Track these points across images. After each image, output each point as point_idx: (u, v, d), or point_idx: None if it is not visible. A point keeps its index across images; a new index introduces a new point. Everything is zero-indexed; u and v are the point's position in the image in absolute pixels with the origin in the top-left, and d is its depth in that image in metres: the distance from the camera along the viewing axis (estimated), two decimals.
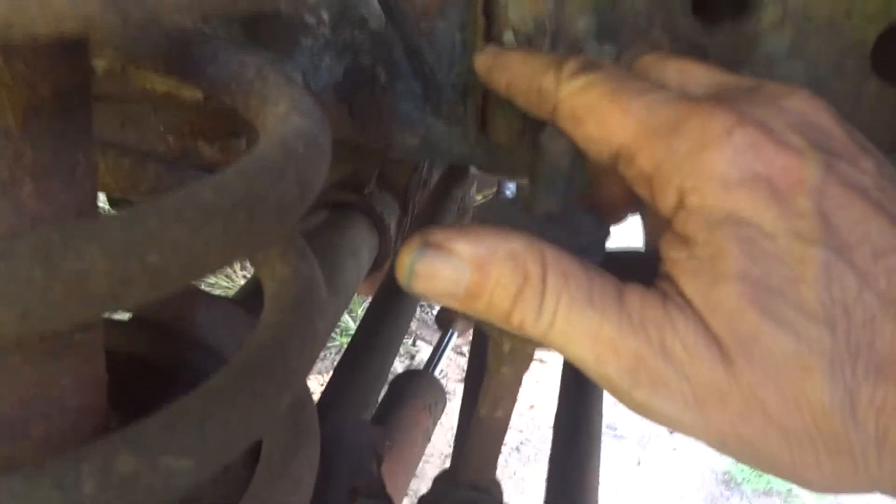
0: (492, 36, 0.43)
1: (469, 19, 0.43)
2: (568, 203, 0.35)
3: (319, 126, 0.33)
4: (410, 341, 2.64)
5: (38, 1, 0.19)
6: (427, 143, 0.47)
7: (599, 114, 0.31)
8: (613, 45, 0.43)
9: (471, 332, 1.39)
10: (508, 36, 0.42)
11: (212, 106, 0.52)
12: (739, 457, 0.30)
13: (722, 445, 0.30)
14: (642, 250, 0.39)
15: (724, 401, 0.28)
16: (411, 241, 0.31)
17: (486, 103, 0.45)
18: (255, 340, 0.33)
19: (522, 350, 0.37)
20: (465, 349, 2.39)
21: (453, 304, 0.31)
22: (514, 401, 0.41)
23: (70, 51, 0.30)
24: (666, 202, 0.30)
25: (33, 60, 0.28)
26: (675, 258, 0.30)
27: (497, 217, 0.35)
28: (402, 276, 0.31)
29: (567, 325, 0.29)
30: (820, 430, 0.27)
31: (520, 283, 0.30)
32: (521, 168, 0.47)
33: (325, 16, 0.47)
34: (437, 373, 1.27)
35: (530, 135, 0.44)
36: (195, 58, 0.40)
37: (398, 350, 0.95)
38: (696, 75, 0.34)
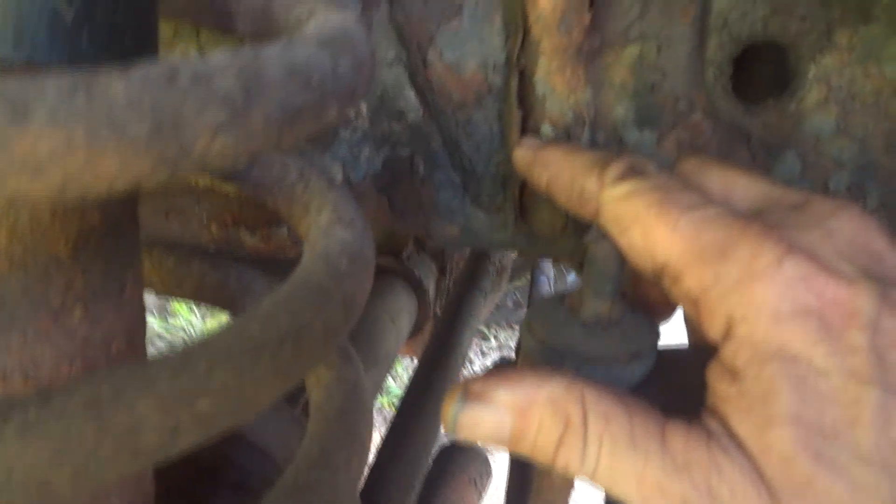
0: (528, 128, 0.42)
1: (505, 110, 0.43)
2: (618, 306, 0.34)
3: (362, 237, 0.33)
4: None
5: (90, 164, 0.19)
6: (467, 232, 0.47)
7: (645, 225, 0.30)
8: (654, 129, 0.43)
9: None
10: (546, 129, 0.42)
11: (248, 195, 0.52)
12: None
13: None
14: (689, 347, 0.38)
15: None
16: (453, 390, 0.32)
17: (526, 193, 0.45)
18: (302, 455, 0.33)
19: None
20: None
21: (500, 447, 0.31)
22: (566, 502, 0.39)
23: None
24: (714, 328, 0.29)
25: None
26: (723, 394, 0.29)
27: (548, 322, 0.34)
28: (447, 425, 0.32)
29: (611, 467, 0.29)
30: None
31: (561, 429, 0.30)
32: (562, 254, 0.47)
33: (364, 108, 0.47)
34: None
35: (573, 226, 0.44)
36: None
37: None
38: (741, 186, 0.33)
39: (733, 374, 0.28)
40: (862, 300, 0.26)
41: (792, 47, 0.41)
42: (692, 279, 0.29)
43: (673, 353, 0.36)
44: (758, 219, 0.30)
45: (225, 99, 0.20)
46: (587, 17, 0.38)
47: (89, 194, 0.20)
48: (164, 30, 0.48)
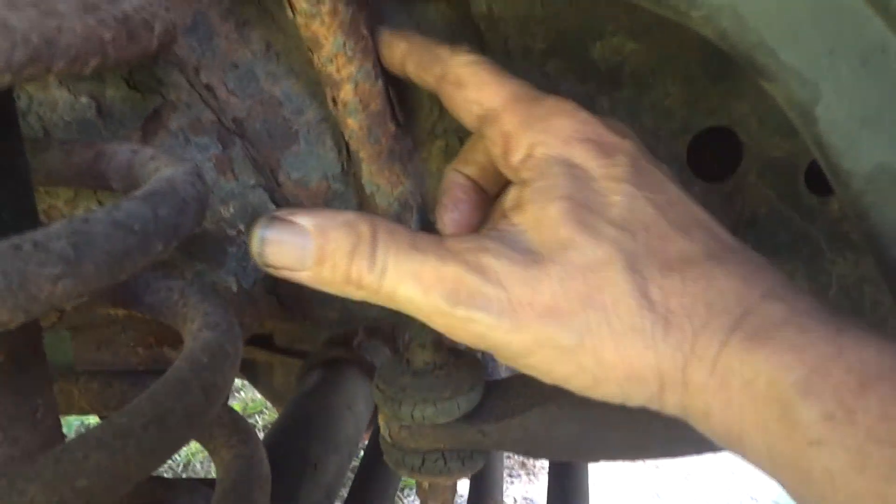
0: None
1: (349, 208, 0.52)
2: (440, 353, 0.41)
3: (226, 335, 0.40)
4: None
5: None
6: (345, 314, 0.55)
7: (481, 82, 0.39)
8: None
9: None
10: None
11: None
12: (540, 362, 0.35)
13: (528, 349, 0.35)
14: (521, 374, 0.45)
15: (534, 295, 0.34)
16: (258, 220, 0.37)
17: None
18: None
19: (439, 484, 0.43)
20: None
21: (304, 277, 0.36)
22: None
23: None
24: (517, 154, 0.38)
25: None
26: (510, 203, 0.37)
27: (389, 375, 0.42)
28: (253, 247, 0.36)
29: (396, 269, 0.35)
30: (617, 311, 0.33)
31: (354, 242, 0.35)
32: None
33: (241, 226, 0.56)
34: None
35: None
36: (135, 290, 0.48)
37: (397, 486, 0.99)
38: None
39: (525, 183, 0.37)
40: (627, 144, 0.37)
41: None
42: (508, 116, 0.38)
43: (505, 382, 0.44)
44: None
45: (60, 256, 0.28)
46: (392, 127, 0.47)
47: None
48: (67, 191, 0.56)
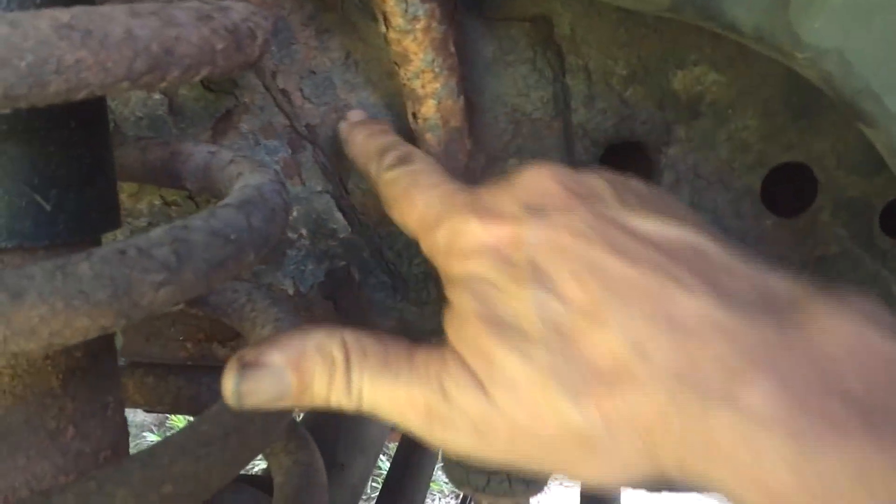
0: None
1: None
2: None
3: None
4: None
5: (67, 325, 0.27)
6: (403, 324, 0.55)
7: (399, 206, 0.40)
8: None
9: None
10: None
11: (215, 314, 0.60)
12: (526, 469, 0.34)
13: (509, 464, 0.34)
14: None
15: (493, 427, 0.33)
16: (229, 366, 0.35)
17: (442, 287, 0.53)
18: None
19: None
20: None
21: (286, 405, 0.35)
22: None
23: None
24: (441, 273, 0.37)
25: None
26: (447, 323, 0.36)
27: None
28: (230, 399, 0.34)
29: (372, 393, 0.35)
30: (570, 431, 0.31)
31: (330, 370, 0.35)
32: None
33: (304, 230, 0.56)
34: None
35: None
36: None
37: (426, 489, 0.99)
38: None
39: (449, 305, 0.36)
40: (525, 230, 0.34)
41: (644, 144, 0.51)
42: (424, 243, 0.38)
43: None
44: (466, 193, 0.38)
45: (163, 264, 0.28)
46: (468, 144, 0.47)
47: (69, 345, 0.27)
48: (131, 186, 0.57)
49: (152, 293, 0.28)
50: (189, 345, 0.66)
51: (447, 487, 2.50)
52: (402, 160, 0.43)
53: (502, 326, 0.33)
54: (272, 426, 0.35)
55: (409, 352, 0.36)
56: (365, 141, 0.46)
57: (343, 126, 0.48)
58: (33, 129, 0.33)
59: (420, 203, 0.39)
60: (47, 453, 0.37)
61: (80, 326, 0.27)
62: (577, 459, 0.32)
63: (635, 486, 0.33)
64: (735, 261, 0.32)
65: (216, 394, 0.55)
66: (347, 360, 0.35)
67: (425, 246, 0.39)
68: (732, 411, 0.28)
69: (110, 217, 0.38)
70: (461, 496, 1.29)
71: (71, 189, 0.35)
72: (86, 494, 0.28)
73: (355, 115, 0.50)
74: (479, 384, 0.33)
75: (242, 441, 0.33)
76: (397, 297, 0.55)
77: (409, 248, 0.53)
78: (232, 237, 0.32)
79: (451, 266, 0.36)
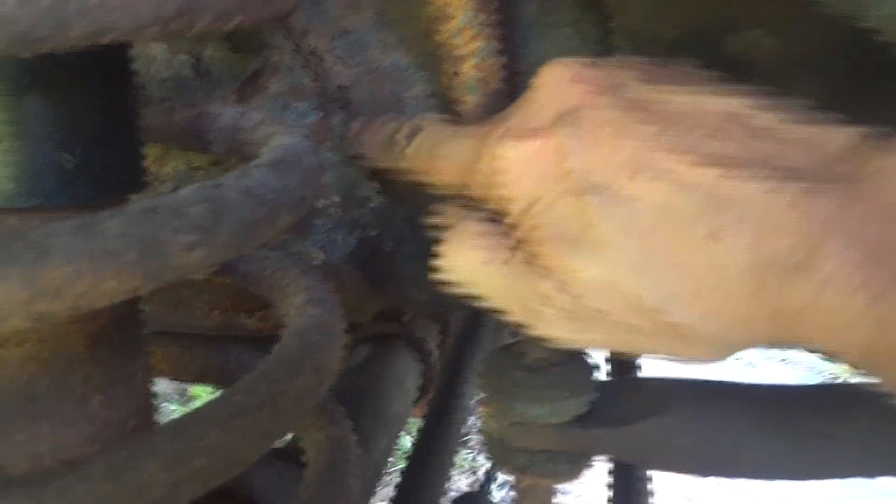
0: None
1: None
2: (556, 350, 0.39)
3: (332, 313, 0.39)
4: (472, 456, 2.62)
5: (94, 286, 0.25)
6: (436, 297, 0.53)
7: (432, 170, 0.39)
8: None
9: None
10: None
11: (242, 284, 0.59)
12: (632, 352, 0.35)
13: (613, 348, 0.35)
14: (634, 378, 0.43)
15: (588, 323, 0.34)
16: None
17: None
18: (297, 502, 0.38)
19: (540, 486, 0.41)
20: None
21: None
22: None
23: None
24: (496, 214, 0.36)
25: None
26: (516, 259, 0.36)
27: (497, 369, 0.40)
28: None
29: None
30: (657, 323, 0.32)
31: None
32: None
33: (335, 197, 0.54)
34: (497, 488, 1.28)
35: None
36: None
37: (452, 466, 0.98)
38: None
39: (511, 226, 0.36)
40: (556, 139, 0.33)
41: None
42: (473, 188, 0.37)
43: (613, 385, 0.42)
44: (491, 123, 0.38)
45: (195, 223, 0.27)
46: (506, 107, 0.45)
47: (96, 308, 0.26)
48: (156, 149, 0.55)
49: (184, 254, 0.26)
50: (215, 314, 0.65)
51: (465, 463, 2.51)
52: (413, 132, 0.41)
53: (575, 241, 0.32)
54: (306, 398, 0.33)
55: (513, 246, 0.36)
56: (372, 139, 0.44)
57: (349, 138, 0.47)
58: (56, 82, 0.32)
59: (451, 154, 0.38)
60: (73, 421, 0.36)
61: (107, 288, 0.25)
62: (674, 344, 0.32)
63: (731, 354, 0.33)
64: (783, 122, 0.31)
65: (244, 364, 0.54)
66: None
67: (474, 190, 0.37)
68: (815, 283, 0.28)
69: (135, 178, 0.36)
70: (486, 472, 1.28)
71: (95, 147, 0.33)
72: (116, 465, 0.27)
73: (355, 124, 0.48)
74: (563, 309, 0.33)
75: (276, 413, 0.31)
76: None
77: None
78: (266, 198, 0.30)
79: (507, 196, 0.35)
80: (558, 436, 0.39)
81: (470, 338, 1.29)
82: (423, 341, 1.26)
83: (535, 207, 0.34)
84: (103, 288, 0.25)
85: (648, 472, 0.97)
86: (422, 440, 1.01)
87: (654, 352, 0.33)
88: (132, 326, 0.38)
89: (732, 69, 0.47)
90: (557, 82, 0.36)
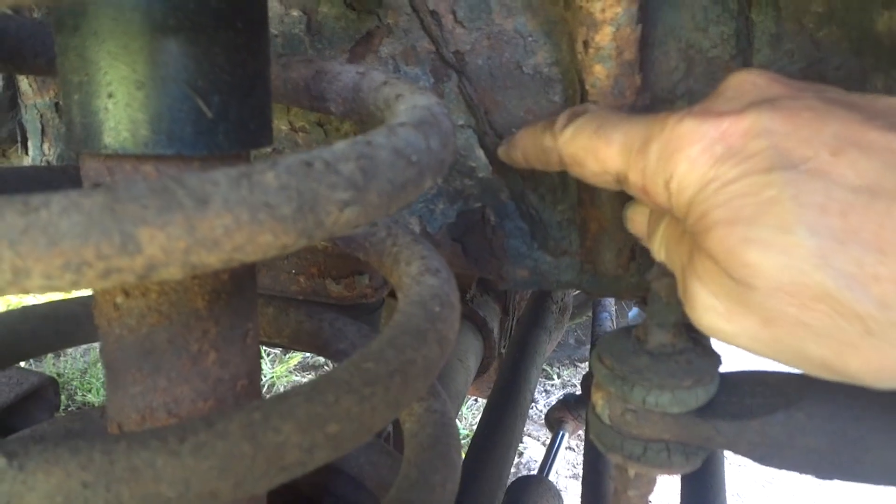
0: None
1: None
2: (681, 336, 0.38)
3: (449, 284, 0.37)
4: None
5: (251, 239, 0.24)
6: (536, 275, 0.51)
7: (593, 152, 0.37)
8: None
9: (581, 430, 1.38)
10: None
11: (338, 250, 0.58)
12: (776, 355, 0.32)
13: (760, 348, 0.32)
14: (755, 371, 0.41)
15: (744, 313, 0.32)
16: None
17: (590, 238, 0.49)
18: (402, 478, 0.37)
19: (646, 475, 0.39)
20: (574, 444, 2.36)
21: None
22: None
23: None
24: (659, 198, 0.35)
25: None
26: (687, 229, 0.35)
27: (617, 352, 0.38)
28: None
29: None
30: (837, 314, 0.29)
31: None
32: (626, 292, 0.50)
33: None
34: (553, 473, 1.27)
35: (636, 265, 0.48)
36: None
37: (514, 456, 0.97)
38: None
39: (682, 214, 0.34)
40: (750, 118, 0.32)
41: None
42: (634, 173, 0.36)
43: (734, 377, 0.40)
44: (667, 112, 0.36)
45: (349, 181, 0.25)
46: (638, 80, 0.42)
47: (248, 261, 0.25)
48: None
49: (337, 212, 0.25)
50: (302, 279, 0.64)
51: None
52: (576, 114, 0.40)
53: (752, 223, 0.31)
54: (432, 368, 0.32)
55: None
56: (527, 129, 0.43)
57: (502, 144, 0.47)
58: (200, 27, 0.30)
59: (618, 135, 0.37)
60: (188, 377, 0.35)
61: (263, 242, 0.24)
62: (844, 348, 0.30)
63: None
64: None
65: (338, 332, 0.53)
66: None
67: (633, 175, 0.36)
68: None
69: (265, 132, 0.35)
70: (545, 456, 1.26)
71: (233, 97, 0.32)
72: (251, 425, 0.26)
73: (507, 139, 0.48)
74: (730, 278, 0.32)
75: (406, 382, 0.30)
76: (534, 245, 0.51)
77: (555, 192, 0.49)
78: (413, 158, 0.28)
79: (679, 177, 0.34)
80: (678, 426, 0.37)
81: (536, 319, 1.28)
82: (484, 320, 1.25)
83: (707, 190, 0.32)
84: (258, 241, 0.24)
85: (721, 462, 0.94)
86: (486, 422, 1.00)
87: (811, 359, 0.31)
88: (248, 286, 0.38)
89: (875, 49, 0.44)
90: (753, 83, 0.35)
